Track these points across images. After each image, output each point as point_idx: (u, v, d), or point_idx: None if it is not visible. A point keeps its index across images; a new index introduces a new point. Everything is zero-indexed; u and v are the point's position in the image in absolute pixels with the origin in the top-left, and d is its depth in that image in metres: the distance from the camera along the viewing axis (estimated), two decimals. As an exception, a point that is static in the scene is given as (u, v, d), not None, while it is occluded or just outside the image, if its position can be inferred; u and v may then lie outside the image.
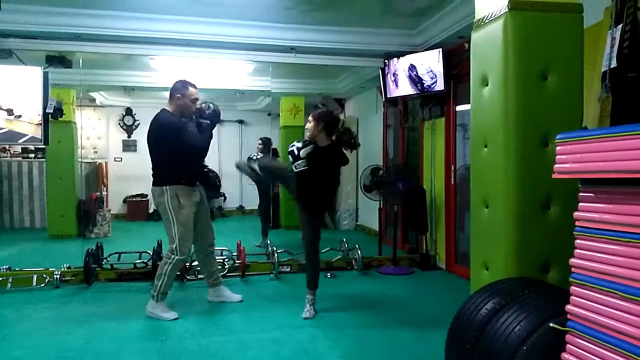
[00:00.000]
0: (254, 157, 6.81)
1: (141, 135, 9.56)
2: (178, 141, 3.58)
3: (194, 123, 3.78)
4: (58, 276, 4.55)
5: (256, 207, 7.10)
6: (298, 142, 3.75)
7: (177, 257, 3.66)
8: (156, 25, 4.74)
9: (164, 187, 3.63)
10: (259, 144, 6.84)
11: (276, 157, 7.01)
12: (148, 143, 3.70)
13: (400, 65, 5.41)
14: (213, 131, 3.85)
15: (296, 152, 3.66)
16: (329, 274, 5.02)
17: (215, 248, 5.11)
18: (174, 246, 3.65)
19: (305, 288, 3.80)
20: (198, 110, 3.78)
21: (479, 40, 2.61)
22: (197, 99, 3.75)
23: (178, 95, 3.68)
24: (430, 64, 5.13)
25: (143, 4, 4.43)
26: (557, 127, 2.18)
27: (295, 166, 3.67)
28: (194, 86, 3.74)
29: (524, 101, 2.35)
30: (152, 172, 3.73)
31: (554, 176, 1.80)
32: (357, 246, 5.27)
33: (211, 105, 3.86)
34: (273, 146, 7.18)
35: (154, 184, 3.69)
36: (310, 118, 3.74)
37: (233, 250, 5.22)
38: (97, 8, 4.50)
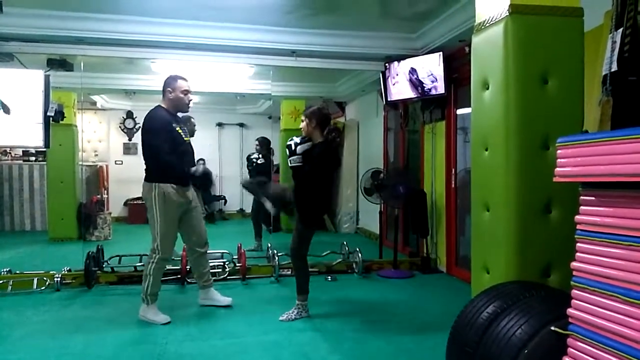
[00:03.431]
0: (255, 158, 6.82)
1: (142, 139, 9.55)
2: (151, 140, 3.61)
3: (182, 124, 3.84)
4: (58, 279, 4.55)
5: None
6: (297, 137, 3.80)
7: (158, 257, 3.64)
8: (157, 28, 4.75)
9: (153, 184, 3.63)
10: (257, 144, 6.87)
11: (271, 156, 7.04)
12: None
13: (400, 69, 5.42)
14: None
15: (293, 147, 3.71)
16: (329, 277, 5.02)
17: (216, 251, 5.14)
18: (156, 245, 3.65)
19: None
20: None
21: (479, 44, 2.62)
22: (188, 91, 3.75)
23: (169, 89, 3.71)
24: (430, 68, 5.14)
25: (144, 7, 4.44)
26: (557, 130, 2.19)
27: (290, 160, 3.72)
28: (184, 79, 3.75)
29: (525, 105, 2.35)
30: (144, 168, 3.73)
31: (554, 180, 1.80)
32: (357, 249, 5.27)
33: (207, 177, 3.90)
34: (272, 147, 7.20)
35: (145, 179, 3.69)
36: (302, 117, 3.79)
37: (234, 254, 5.22)
38: (98, 12, 4.50)
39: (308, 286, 3.76)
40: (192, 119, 5.34)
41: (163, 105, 3.73)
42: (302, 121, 3.77)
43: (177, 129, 3.70)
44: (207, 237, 4.02)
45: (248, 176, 7.09)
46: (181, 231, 3.88)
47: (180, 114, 3.87)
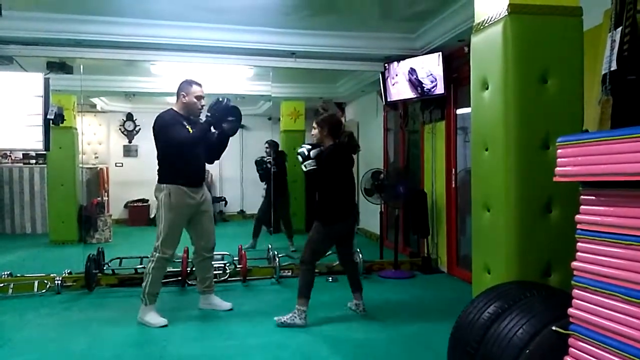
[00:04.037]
0: (265, 160, 6.80)
1: (142, 140, 9.58)
2: (166, 138, 3.62)
3: (198, 121, 3.81)
4: (59, 282, 4.54)
5: (256, 212, 7.07)
6: (307, 144, 3.79)
7: (158, 255, 3.65)
8: (157, 31, 4.76)
9: (163, 185, 3.67)
10: (266, 147, 6.87)
11: (283, 159, 7.00)
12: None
13: (400, 69, 5.42)
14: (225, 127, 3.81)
15: (306, 153, 3.68)
16: (330, 278, 5.01)
17: (217, 253, 5.12)
18: (157, 244, 3.66)
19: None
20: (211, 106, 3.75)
21: (478, 44, 2.62)
22: (201, 97, 3.79)
23: (183, 93, 3.75)
24: (430, 68, 5.14)
25: (143, 10, 4.44)
26: (557, 130, 2.19)
27: (304, 165, 3.69)
28: (199, 84, 3.80)
29: (525, 104, 2.35)
30: (157, 169, 3.77)
31: (555, 179, 1.79)
32: (358, 250, 5.25)
33: (221, 99, 3.77)
34: (283, 150, 7.19)
35: (157, 181, 3.74)
36: (314, 124, 3.80)
37: (234, 255, 5.22)
38: (97, 14, 4.51)
39: (310, 292, 3.64)
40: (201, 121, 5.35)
41: (175, 108, 3.77)
42: (314, 129, 3.78)
43: (188, 128, 3.72)
44: (215, 243, 4.01)
45: (259, 179, 7.02)
46: (190, 233, 3.89)
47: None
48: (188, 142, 3.64)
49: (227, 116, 3.80)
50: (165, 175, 3.69)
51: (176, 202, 3.64)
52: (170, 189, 3.63)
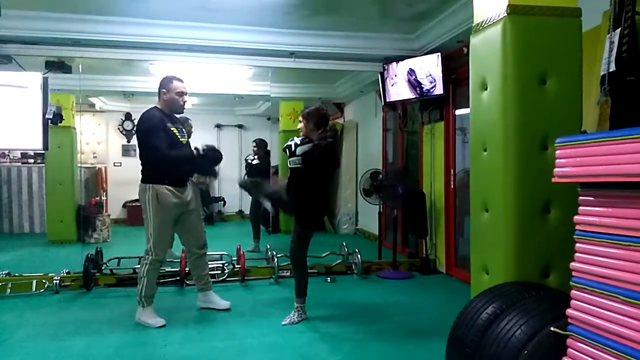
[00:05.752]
0: (251, 160, 6.83)
1: (141, 140, 9.55)
2: (150, 144, 3.57)
3: (179, 124, 3.81)
4: (57, 281, 4.54)
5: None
6: (297, 138, 3.73)
7: (151, 258, 3.63)
8: (155, 30, 4.75)
9: (147, 185, 3.61)
10: (254, 146, 6.86)
11: (266, 156, 7.01)
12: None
13: (399, 70, 5.42)
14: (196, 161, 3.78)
15: (293, 148, 3.63)
16: (328, 279, 5.01)
17: (215, 252, 5.13)
18: (149, 246, 3.64)
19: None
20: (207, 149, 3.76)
21: (478, 45, 2.62)
22: (183, 92, 3.73)
23: (163, 90, 3.69)
24: (429, 68, 5.14)
25: (142, 9, 4.43)
26: (556, 130, 2.18)
27: (289, 162, 3.65)
28: (180, 80, 3.73)
29: (523, 105, 2.35)
30: (140, 169, 3.71)
31: (553, 180, 1.80)
32: (356, 250, 5.26)
33: (213, 150, 3.84)
34: (269, 148, 7.19)
35: (140, 181, 3.68)
36: (300, 118, 3.74)
37: (233, 255, 5.21)
38: (96, 14, 4.50)
39: (307, 289, 3.73)
40: (190, 120, 5.32)
41: (158, 106, 3.72)
42: (300, 122, 3.73)
43: (173, 129, 3.69)
44: (206, 240, 4.01)
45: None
46: (179, 233, 3.87)
47: (177, 115, 3.86)
48: (169, 156, 3.57)
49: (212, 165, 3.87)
50: (150, 175, 3.63)
51: (164, 202, 3.60)
52: (156, 189, 3.59)
